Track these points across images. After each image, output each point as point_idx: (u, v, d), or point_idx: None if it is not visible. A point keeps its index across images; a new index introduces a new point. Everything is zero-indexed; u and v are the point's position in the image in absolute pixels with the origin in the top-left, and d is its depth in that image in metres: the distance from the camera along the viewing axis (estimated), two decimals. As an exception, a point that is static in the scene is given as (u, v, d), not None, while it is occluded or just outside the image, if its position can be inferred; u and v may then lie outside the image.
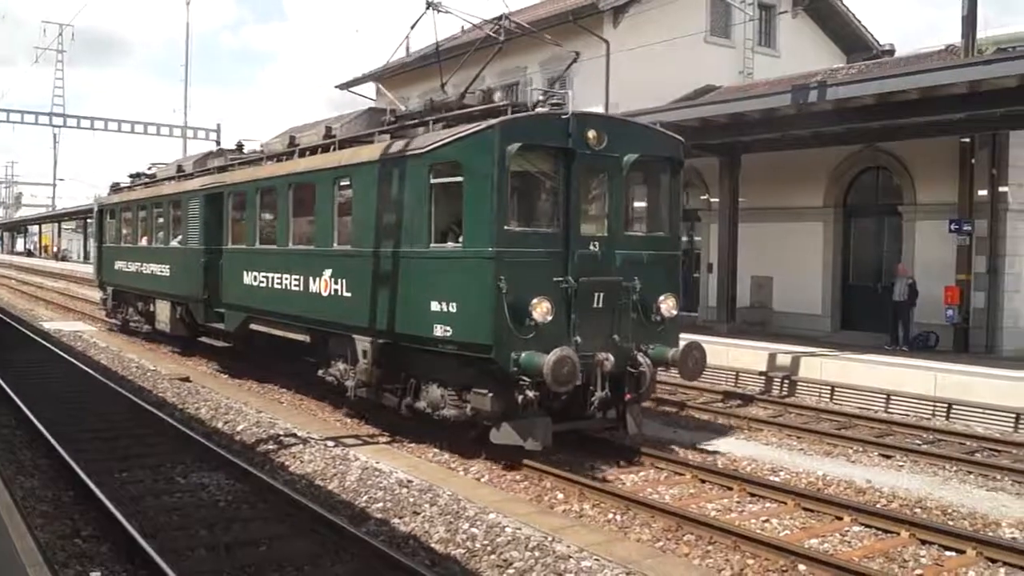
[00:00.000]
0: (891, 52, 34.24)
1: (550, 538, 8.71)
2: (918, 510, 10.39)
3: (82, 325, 29.74)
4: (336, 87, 41.17)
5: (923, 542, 9.13)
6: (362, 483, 10.88)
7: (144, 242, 23.57)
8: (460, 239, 11.68)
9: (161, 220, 22.47)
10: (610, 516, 9.99)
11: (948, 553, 8.89)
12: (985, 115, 18.28)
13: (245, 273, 17.06)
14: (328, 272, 14.11)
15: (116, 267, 25.66)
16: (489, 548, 8.61)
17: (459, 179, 11.43)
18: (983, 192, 21.45)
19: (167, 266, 21.41)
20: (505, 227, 11.07)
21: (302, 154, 15.64)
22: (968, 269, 21.49)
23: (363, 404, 14.12)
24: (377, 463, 11.61)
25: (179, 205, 20.88)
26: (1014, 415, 15.17)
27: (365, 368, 13.26)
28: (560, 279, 11.44)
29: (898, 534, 9.32)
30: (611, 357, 11.55)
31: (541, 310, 11.14)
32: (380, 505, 10.05)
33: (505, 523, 9.18)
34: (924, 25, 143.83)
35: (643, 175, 12.94)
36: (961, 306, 21.35)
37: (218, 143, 44.18)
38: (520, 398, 11.22)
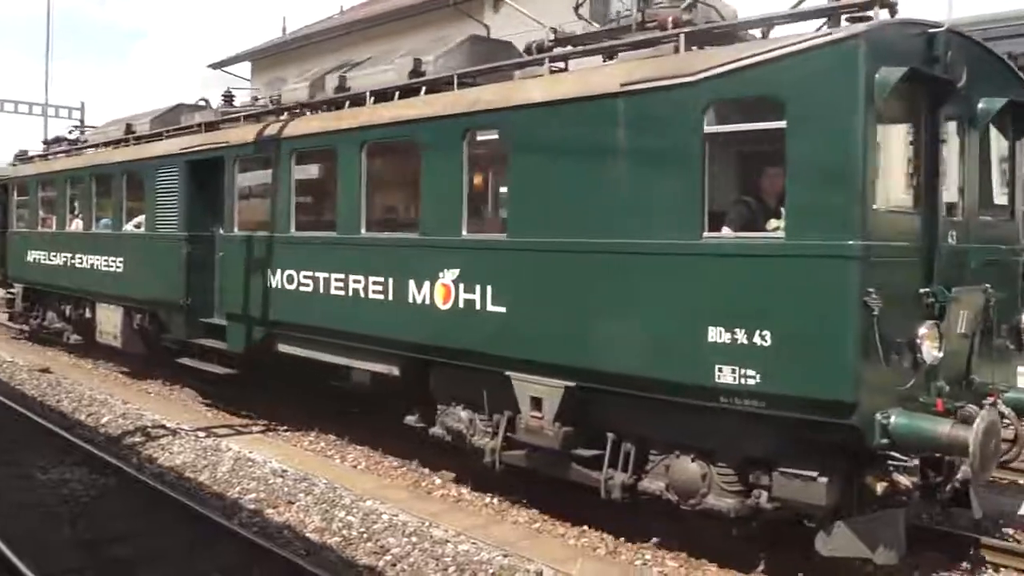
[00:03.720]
0: None
1: (427, 523, 8.82)
2: None
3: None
4: (209, 67, 37.14)
5: None
6: (235, 474, 10.68)
7: (76, 226, 17.76)
8: (769, 224, 7.20)
9: (105, 198, 16.73)
10: (488, 500, 9.86)
11: None
12: None
13: (270, 272, 11.92)
14: (452, 274, 9.27)
15: (29, 259, 19.63)
16: (366, 535, 8.63)
17: (776, 125, 6.85)
18: None
19: (117, 259, 15.82)
20: (874, 206, 6.60)
21: (384, 97, 10.61)
22: None
23: (517, 478, 9.42)
24: (250, 453, 11.41)
25: (137, 176, 15.32)
26: None
27: (538, 426, 8.55)
28: (926, 290, 7.10)
29: None
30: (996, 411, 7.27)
31: (931, 343, 6.85)
32: (253, 496, 9.90)
33: (382, 510, 9.23)
34: None
35: (998, 131, 8.62)
36: None
37: (81, 123, 37.94)
38: (877, 485, 6.88)
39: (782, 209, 7.00)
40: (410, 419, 10.61)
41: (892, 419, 6.59)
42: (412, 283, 9.75)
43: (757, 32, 8.28)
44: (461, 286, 9.19)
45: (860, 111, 6.41)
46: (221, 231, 13.04)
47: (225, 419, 13.46)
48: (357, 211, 10.51)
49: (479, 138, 9.14)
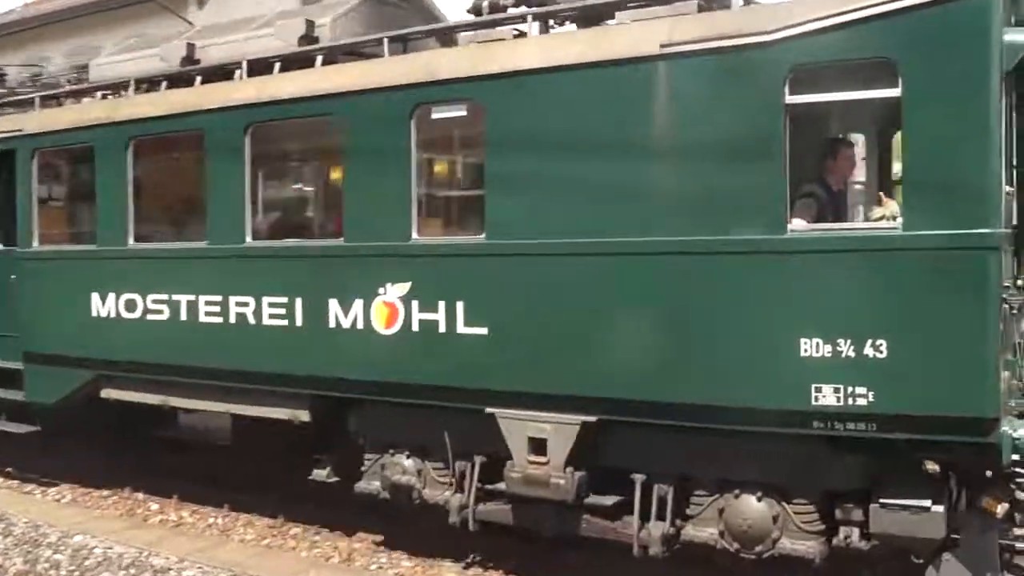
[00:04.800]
0: None
1: (146, 552, 8.34)
2: None
3: None
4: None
5: None
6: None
7: None
8: (872, 213, 6.08)
9: None
10: (211, 521, 9.39)
11: None
12: None
13: (96, 297, 9.17)
14: (399, 289, 7.34)
15: None
16: (77, 573, 8.07)
17: (889, 93, 5.70)
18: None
19: None
20: (1000, 187, 5.64)
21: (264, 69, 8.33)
22: None
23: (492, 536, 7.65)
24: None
25: None
26: None
27: (541, 474, 6.89)
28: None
29: None
30: None
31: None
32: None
33: (94, 544, 8.62)
34: None
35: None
36: None
37: None
38: (998, 507, 6.00)
39: (883, 196, 5.92)
40: (320, 474, 8.49)
41: (1021, 432, 5.69)
42: (334, 303, 7.68)
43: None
44: (414, 304, 7.29)
45: (995, 76, 5.42)
46: (16, 247, 9.96)
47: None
48: (240, 213, 8.18)
49: (436, 116, 7.26)
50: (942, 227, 5.52)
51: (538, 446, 6.90)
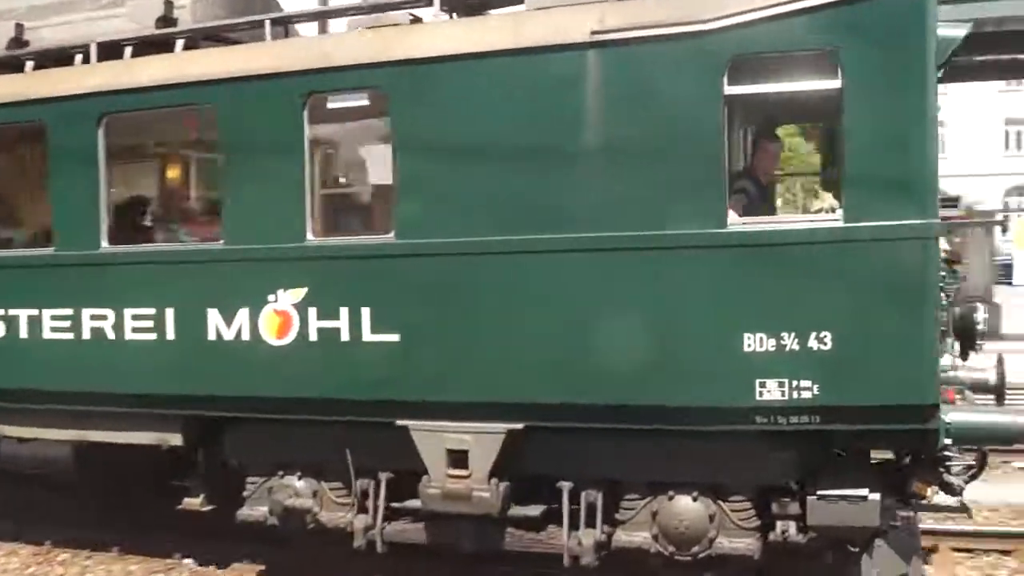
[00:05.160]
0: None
1: None
2: None
3: None
4: None
5: None
6: None
7: None
8: (812, 205, 6.01)
9: None
10: None
11: None
12: None
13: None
14: (293, 295, 6.66)
15: None
16: None
17: (829, 84, 5.66)
18: None
19: None
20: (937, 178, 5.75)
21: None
22: None
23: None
24: None
25: None
26: None
27: (462, 488, 6.42)
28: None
29: None
30: None
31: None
32: None
33: None
34: None
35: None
36: None
37: None
38: (927, 490, 6.16)
39: (819, 189, 5.88)
40: (192, 502, 7.61)
41: (952, 416, 5.82)
42: (215, 314, 6.88)
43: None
44: (312, 311, 6.63)
45: (932, 69, 5.52)
46: None
47: None
48: (93, 215, 7.18)
49: (333, 105, 6.63)
50: (882, 218, 5.55)
51: (458, 458, 6.44)
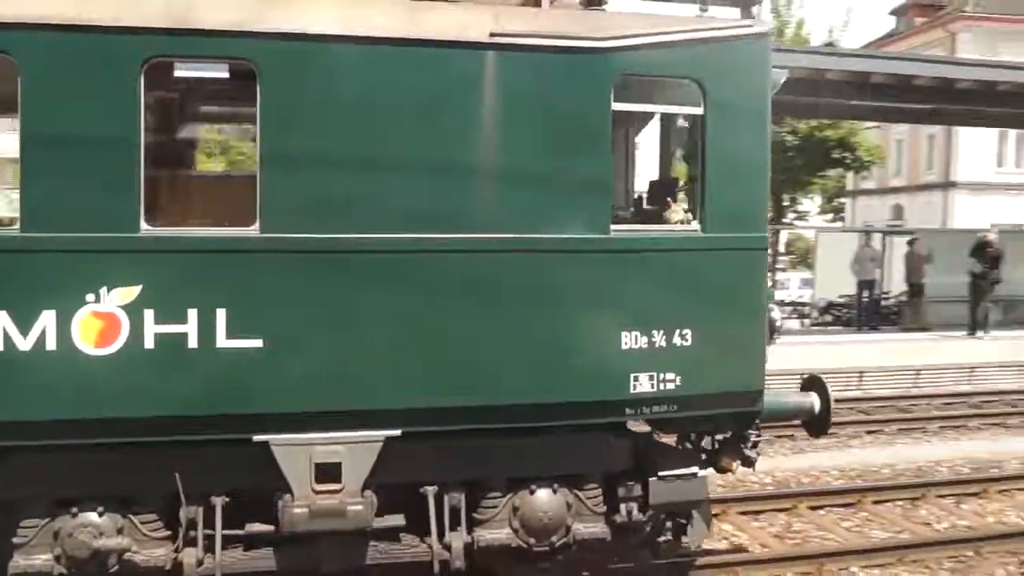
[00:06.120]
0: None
1: None
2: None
3: None
4: None
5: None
6: None
7: None
8: (672, 215, 6.62)
9: None
10: None
11: None
12: None
13: None
14: (121, 295, 5.61)
15: None
16: None
17: (692, 111, 6.35)
18: None
19: None
20: (768, 196, 6.79)
21: None
22: None
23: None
24: None
25: None
26: None
27: (333, 504, 5.98)
28: None
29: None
30: None
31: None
32: None
33: None
34: None
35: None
36: None
37: None
38: (733, 465, 7.24)
39: (671, 202, 6.59)
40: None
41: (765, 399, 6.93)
42: (4, 317, 5.50)
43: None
44: (148, 314, 5.65)
45: (769, 104, 6.53)
46: None
47: None
48: None
49: (181, 74, 5.67)
50: (732, 230, 6.44)
51: (327, 472, 5.97)
